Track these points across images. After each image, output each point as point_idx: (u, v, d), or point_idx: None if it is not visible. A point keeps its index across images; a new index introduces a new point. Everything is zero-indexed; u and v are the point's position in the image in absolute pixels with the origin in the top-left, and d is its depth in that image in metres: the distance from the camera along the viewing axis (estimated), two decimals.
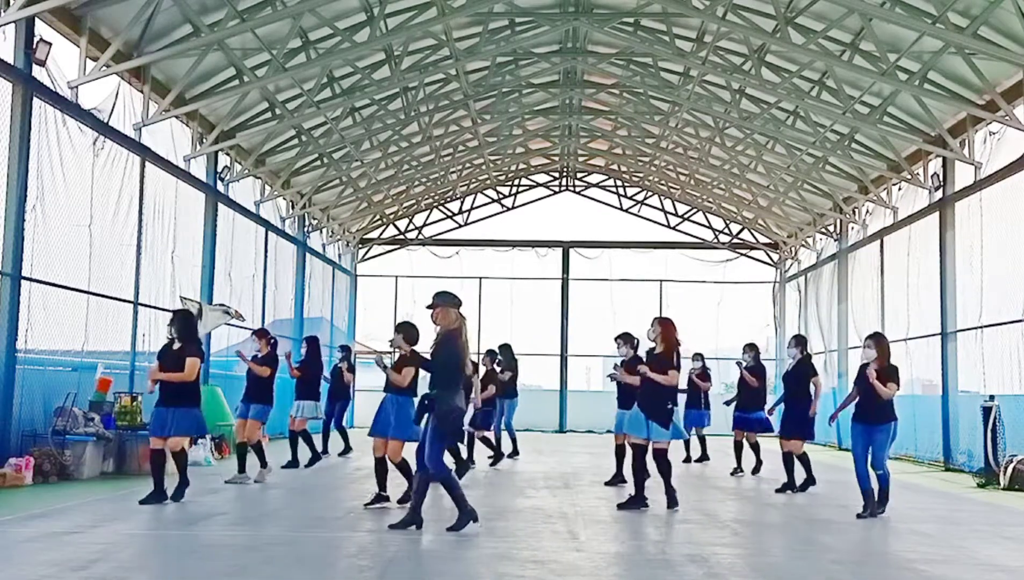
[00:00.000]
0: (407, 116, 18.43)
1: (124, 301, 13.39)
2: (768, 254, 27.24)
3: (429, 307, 7.68)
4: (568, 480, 12.16)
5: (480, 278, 27.07)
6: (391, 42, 15.32)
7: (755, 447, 13.41)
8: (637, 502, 9.17)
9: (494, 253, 27.32)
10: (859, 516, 8.97)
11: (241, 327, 17.72)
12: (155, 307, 14.33)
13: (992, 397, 13.48)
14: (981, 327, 14.82)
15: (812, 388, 11.29)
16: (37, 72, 11.13)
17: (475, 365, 12.77)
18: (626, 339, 11.28)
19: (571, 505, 9.46)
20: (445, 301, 7.63)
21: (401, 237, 27.37)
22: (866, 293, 20.38)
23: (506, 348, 14.93)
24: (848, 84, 15.49)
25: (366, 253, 27.51)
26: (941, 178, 16.55)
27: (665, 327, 9.32)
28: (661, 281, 26.93)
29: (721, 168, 21.97)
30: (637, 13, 15.56)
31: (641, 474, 9.20)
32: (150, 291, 14.18)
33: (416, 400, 8.14)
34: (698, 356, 15.45)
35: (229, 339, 17.69)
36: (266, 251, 19.30)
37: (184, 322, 9.34)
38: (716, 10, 14.05)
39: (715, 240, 27.13)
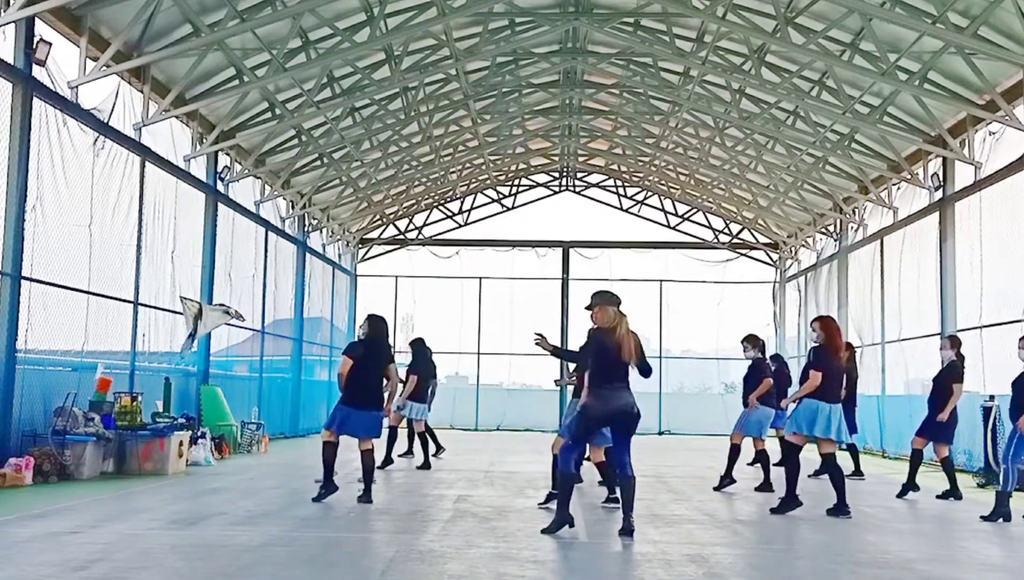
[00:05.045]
0: (407, 116, 18.43)
1: (124, 301, 13.39)
2: (768, 254, 27.25)
3: (588, 308, 7.90)
4: None
5: (480, 278, 27.08)
6: (391, 42, 15.33)
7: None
8: (791, 502, 9.05)
9: (494, 253, 27.33)
10: (983, 518, 8.88)
11: (241, 327, 17.73)
12: (155, 307, 14.34)
13: (992, 397, 13.46)
14: (981, 327, 14.81)
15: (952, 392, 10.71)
16: (37, 72, 11.13)
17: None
18: (752, 341, 11.43)
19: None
20: (603, 299, 7.83)
21: (401, 237, 27.37)
22: (866, 293, 20.39)
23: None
24: (848, 84, 15.50)
25: (366, 253, 27.51)
26: (941, 178, 16.56)
27: (825, 325, 9.24)
28: (661, 281, 26.96)
29: (721, 168, 21.97)
30: (637, 13, 15.56)
31: (794, 473, 9.09)
32: (150, 291, 14.18)
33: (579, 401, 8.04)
34: (776, 357, 14.08)
35: (229, 339, 17.70)
36: (266, 251, 19.31)
37: (369, 325, 9.50)
38: (716, 10, 14.05)
39: (715, 240, 27.15)
